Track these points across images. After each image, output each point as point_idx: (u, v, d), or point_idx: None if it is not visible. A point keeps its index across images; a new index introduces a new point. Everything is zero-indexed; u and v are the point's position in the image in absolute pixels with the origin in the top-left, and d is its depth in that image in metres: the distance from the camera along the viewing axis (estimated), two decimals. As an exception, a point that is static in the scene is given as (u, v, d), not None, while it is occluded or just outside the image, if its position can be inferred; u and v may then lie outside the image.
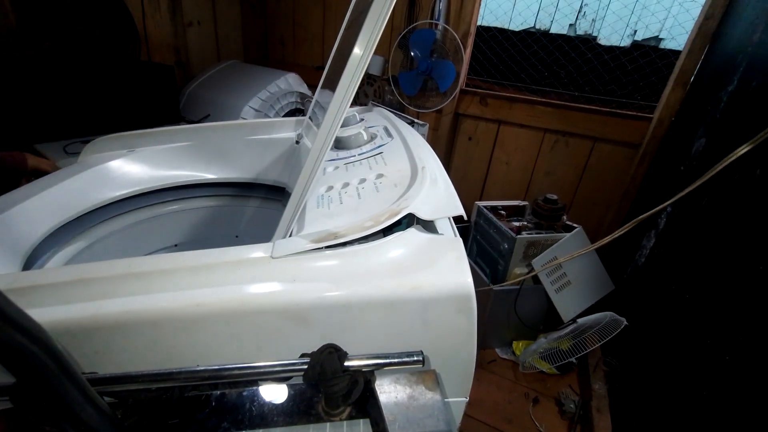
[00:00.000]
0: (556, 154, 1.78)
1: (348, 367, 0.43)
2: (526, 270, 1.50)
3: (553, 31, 1.85)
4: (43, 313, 0.49)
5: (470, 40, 1.75)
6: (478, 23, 1.77)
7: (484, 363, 1.57)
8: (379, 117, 1.14)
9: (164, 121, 1.59)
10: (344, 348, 0.44)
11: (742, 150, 0.92)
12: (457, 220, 0.66)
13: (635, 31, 1.71)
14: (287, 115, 1.76)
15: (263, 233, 1.10)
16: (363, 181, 0.73)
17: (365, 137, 0.96)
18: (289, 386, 0.48)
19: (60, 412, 0.34)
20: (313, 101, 1.10)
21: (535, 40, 1.84)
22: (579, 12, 1.79)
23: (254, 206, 1.14)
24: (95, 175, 0.94)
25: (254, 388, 0.48)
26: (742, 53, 1.10)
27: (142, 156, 1.03)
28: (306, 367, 0.42)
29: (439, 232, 0.61)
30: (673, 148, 1.43)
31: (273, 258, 0.54)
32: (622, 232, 1.24)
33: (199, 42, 2.03)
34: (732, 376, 0.83)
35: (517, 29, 1.89)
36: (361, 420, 0.45)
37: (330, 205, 0.67)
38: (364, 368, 0.44)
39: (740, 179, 0.96)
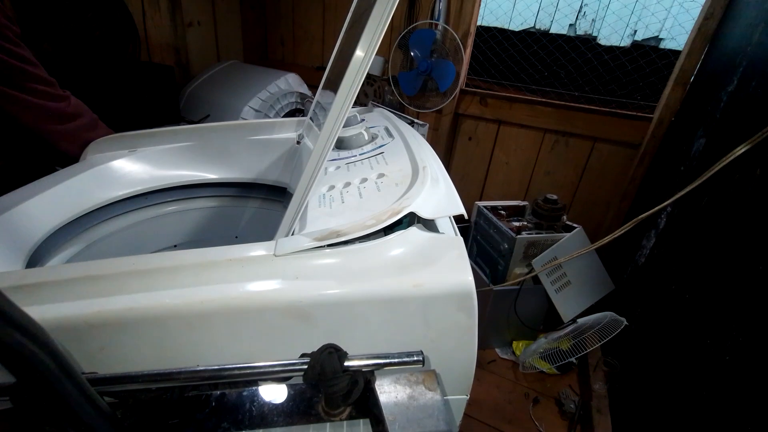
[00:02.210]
0: (556, 154, 1.78)
1: (348, 367, 0.43)
2: (526, 270, 1.50)
3: (553, 31, 1.85)
4: (50, 310, 0.49)
5: (470, 40, 1.75)
6: (478, 23, 1.78)
7: (484, 363, 1.57)
8: (380, 117, 1.14)
9: (164, 121, 1.59)
10: (346, 345, 0.44)
11: (740, 150, 0.92)
12: (458, 219, 0.66)
13: (635, 31, 1.71)
14: (287, 115, 1.76)
15: (262, 234, 1.10)
16: (364, 180, 0.74)
17: (366, 137, 0.96)
18: (289, 386, 0.48)
19: (60, 412, 0.34)
20: (314, 102, 1.10)
21: (535, 40, 1.84)
22: (579, 12, 1.79)
23: (254, 207, 1.14)
24: (97, 175, 0.94)
25: (254, 388, 0.48)
26: (742, 53, 1.11)
27: (143, 156, 1.03)
28: (306, 367, 0.42)
29: (440, 231, 0.61)
30: (673, 148, 1.43)
31: (276, 256, 0.54)
32: (621, 232, 1.24)
33: (199, 42, 2.03)
34: (732, 376, 0.83)
35: (517, 29, 1.89)
36: (361, 420, 0.45)
37: (332, 204, 0.67)
38: (364, 368, 0.44)
39: (740, 179, 0.96)
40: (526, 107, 1.75)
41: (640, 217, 1.19)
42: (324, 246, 0.55)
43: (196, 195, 1.10)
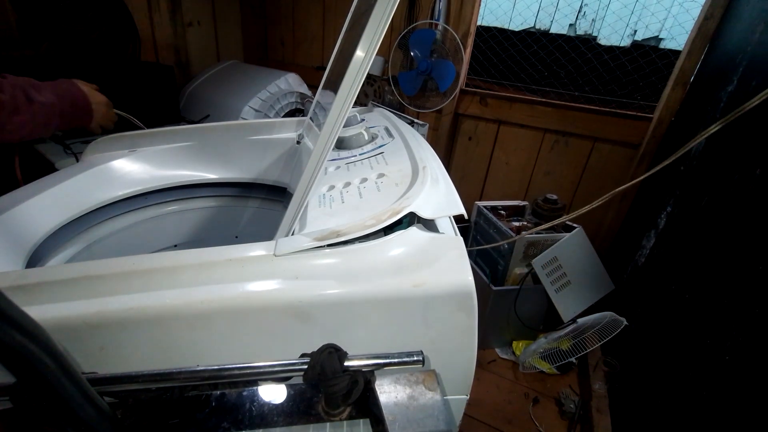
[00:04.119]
0: (556, 154, 1.78)
1: (348, 367, 0.43)
2: (526, 270, 1.50)
3: (553, 31, 1.85)
4: (50, 310, 0.49)
5: (470, 40, 1.75)
6: (478, 23, 1.78)
7: (484, 363, 1.57)
8: (380, 117, 1.14)
9: (164, 121, 1.59)
10: (346, 346, 0.44)
11: (714, 128, 0.92)
12: (458, 219, 0.66)
13: (635, 31, 1.71)
14: (287, 115, 1.76)
15: (262, 234, 1.10)
16: (364, 180, 0.73)
17: (366, 137, 0.96)
18: (289, 386, 0.48)
19: (60, 412, 0.34)
20: (314, 102, 1.10)
21: (535, 40, 1.84)
22: (579, 12, 1.79)
23: (254, 207, 1.14)
24: (97, 174, 0.94)
25: (254, 388, 0.48)
26: (742, 53, 1.11)
27: (143, 156, 1.03)
28: (306, 367, 0.42)
29: (440, 231, 0.61)
30: (673, 148, 1.43)
31: (276, 256, 0.54)
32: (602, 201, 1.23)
33: (199, 42, 2.03)
34: (732, 376, 0.83)
35: (517, 29, 1.89)
36: (361, 420, 0.45)
37: (332, 204, 0.67)
38: (364, 368, 0.44)
39: (740, 179, 0.96)
40: (526, 107, 1.75)
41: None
42: (324, 246, 0.55)
43: (196, 195, 1.10)
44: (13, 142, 0.80)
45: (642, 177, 1.14)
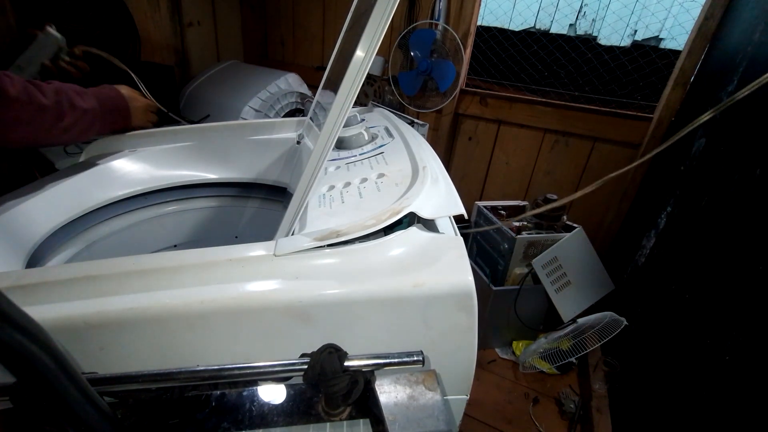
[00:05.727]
0: (556, 154, 1.78)
1: (348, 367, 0.43)
2: (526, 270, 1.50)
3: (553, 31, 1.85)
4: (50, 310, 0.49)
5: (470, 40, 1.75)
6: (478, 23, 1.78)
7: (484, 363, 1.57)
8: (380, 117, 1.14)
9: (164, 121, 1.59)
10: (346, 345, 0.44)
11: (705, 117, 0.92)
12: (458, 219, 0.66)
13: (635, 31, 1.71)
14: (287, 115, 1.76)
15: (263, 234, 1.10)
16: (364, 180, 0.73)
17: (366, 137, 0.96)
18: (289, 386, 0.48)
19: (60, 412, 0.34)
20: (314, 102, 1.10)
21: (535, 40, 1.84)
22: (579, 12, 1.79)
23: (254, 207, 1.14)
24: (97, 174, 0.94)
25: (254, 388, 0.48)
26: (742, 53, 1.11)
27: (143, 156, 1.03)
28: (306, 367, 0.42)
29: (440, 231, 0.61)
30: (673, 148, 1.43)
31: (276, 256, 0.54)
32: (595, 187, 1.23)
33: (199, 42, 2.03)
34: (732, 376, 0.83)
35: (517, 29, 1.89)
36: (361, 420, 0.45)
37: (332, 204, 0.67)
38: (364, 368, 0.44)
39: (740, 179, 0.96)
40: (526, 107, 1.75)
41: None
42: (324, 246, 0.55)
43: (196, 195, 1.10)
44: (59, 145, 0.90)
45: (638, 162, 1.14)
